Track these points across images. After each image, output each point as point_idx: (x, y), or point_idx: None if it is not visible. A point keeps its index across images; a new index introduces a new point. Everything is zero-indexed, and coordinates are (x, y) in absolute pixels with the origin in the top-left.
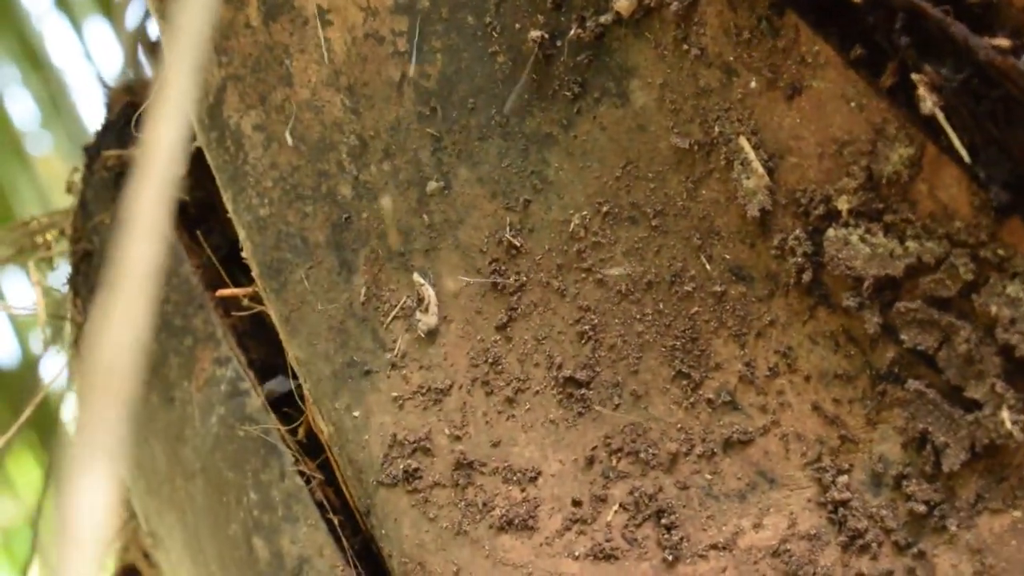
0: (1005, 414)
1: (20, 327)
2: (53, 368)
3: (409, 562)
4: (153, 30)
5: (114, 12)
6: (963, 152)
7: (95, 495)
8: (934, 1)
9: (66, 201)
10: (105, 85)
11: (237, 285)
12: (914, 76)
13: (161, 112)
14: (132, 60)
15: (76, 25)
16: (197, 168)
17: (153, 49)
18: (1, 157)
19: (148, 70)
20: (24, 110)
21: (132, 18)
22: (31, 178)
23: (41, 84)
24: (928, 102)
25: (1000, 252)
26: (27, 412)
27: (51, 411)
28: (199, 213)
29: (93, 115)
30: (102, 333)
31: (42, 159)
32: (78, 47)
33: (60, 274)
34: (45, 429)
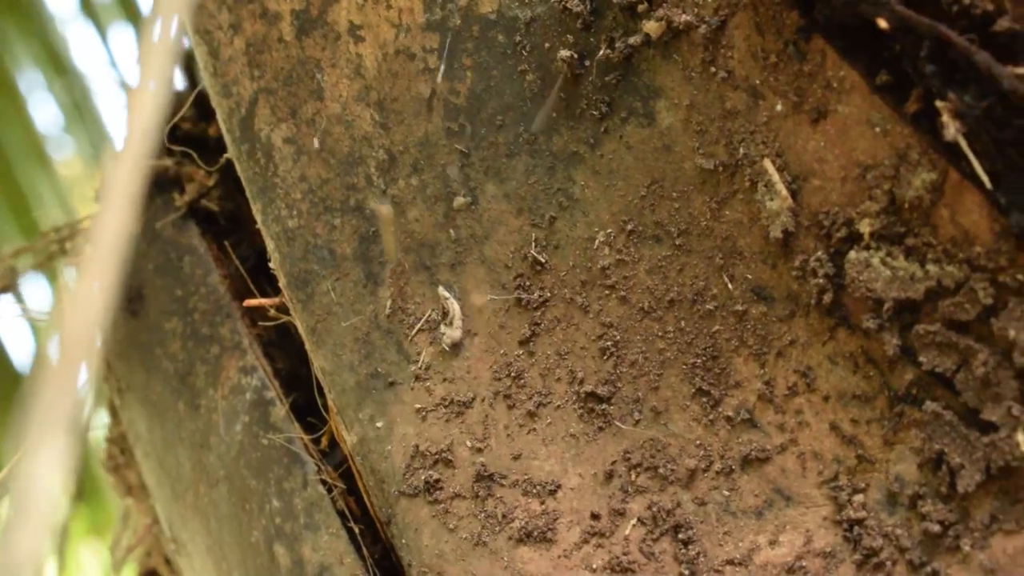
0: (1021, 437)
1: (39, 332)
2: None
3: (428, 572)
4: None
5: (140, 19)
6: (984, 178)
7: (50, 469)
8: (960, 30)
9: (87, 205)
10: (129, 92)
11: (264, 296)
12: (938, 103)
13: (140, 97)
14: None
15: (101, 30)
16: (227, 179)
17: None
18: (24, 161)
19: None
20: (48, 115)
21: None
22: (53, 182)
23: (65, 89)
24: (951, 128)
25: (1019, 277)
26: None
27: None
28: (228, 224)
29: (116, 121)
30: (68, 306)
31: (64, 163)
32: (103, 53)
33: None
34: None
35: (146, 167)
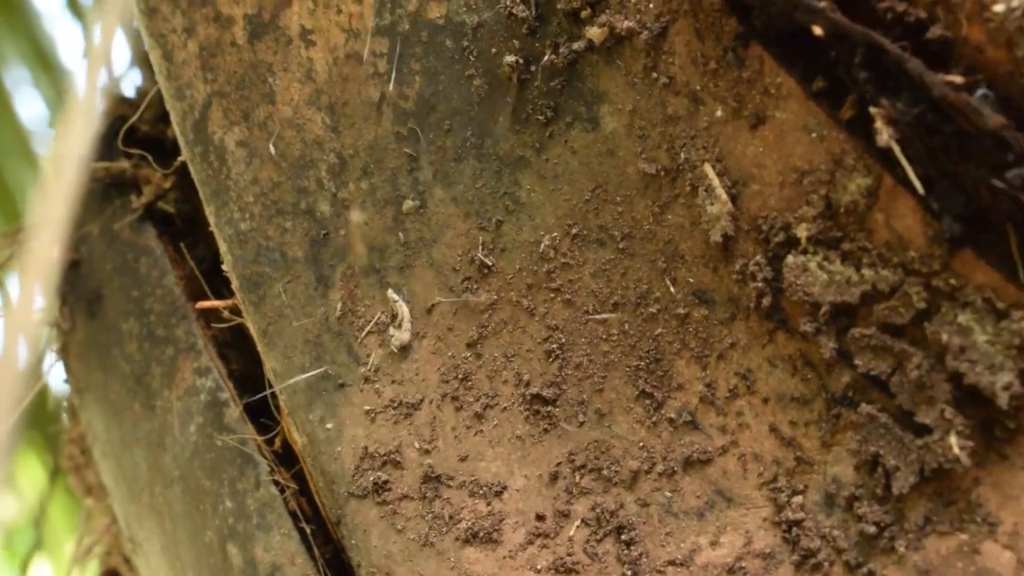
0: (953, 439)
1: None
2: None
3: (377, 572)
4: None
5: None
6: (917, 184)
7: None
8: (894, 37)
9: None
10: (104, 94)
11: (220, 297)
12: (872, 109)
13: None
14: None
15: (87, 28)
16: (184, 181)
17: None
18: (10, 157)
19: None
20: (33, 111)
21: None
22: (39, 177)
23: (51, 85)
24: (884, 135)
25: (952, 282)
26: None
27: (55, 412)
28: (185, 226)
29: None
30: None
31: (47, 158)
32: (80, 41)
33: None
34: (48, 429)
35: (85, 169)
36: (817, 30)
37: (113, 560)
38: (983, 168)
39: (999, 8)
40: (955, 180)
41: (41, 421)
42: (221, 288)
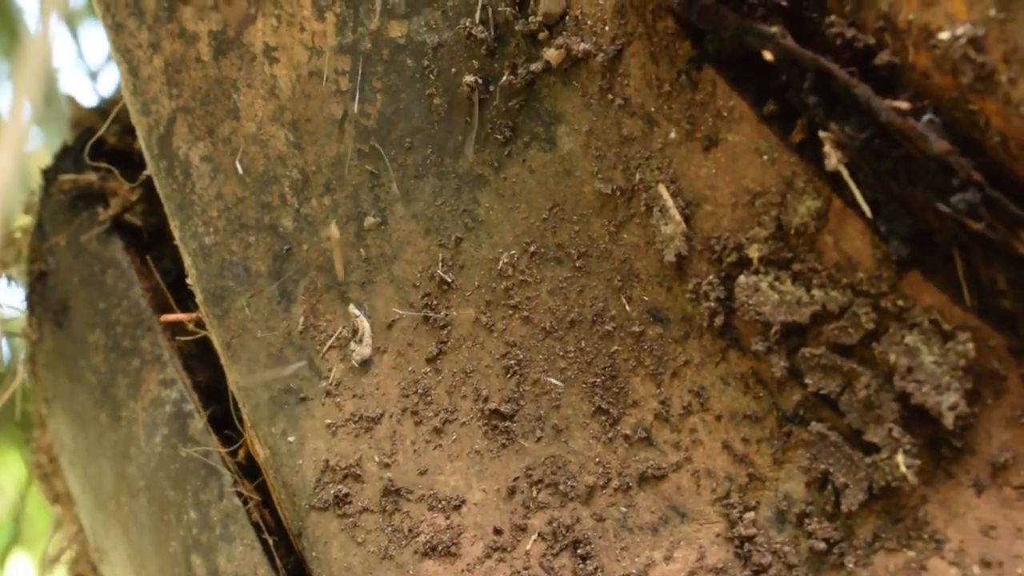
0: (900, 458)
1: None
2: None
3: None
4: None
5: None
6: (865, 207)
7: None
8: (842, 62)
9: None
10: (74, 106)
11: (186, 310)
12: (821, 133)
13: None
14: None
15: (71, 25)
16: (150, 194)
17: None
18: None
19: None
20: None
21: None
22: (21, 174)
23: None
24: (833, 159)
25: (900, 303)
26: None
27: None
28: (151, 238)
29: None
30: None
31: (33, 155)
32: (72, 47)
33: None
34: (29, 427)
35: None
36: (768, 55)
37: (81, 568)
38: (929, 192)
39: (944, 35)
40: (902, 204)
41: (22, 419)
42: (187, 301)
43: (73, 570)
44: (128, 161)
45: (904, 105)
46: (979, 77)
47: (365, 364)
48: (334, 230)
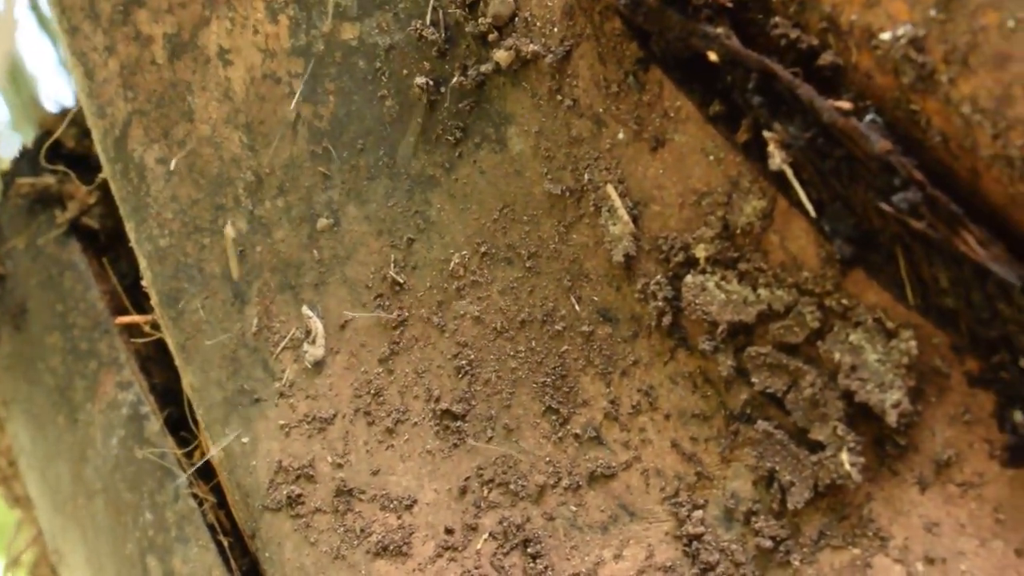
0: (845, 456)
1: None
2: None
3: None
4: None
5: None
6: (809, 207)
7: None
8: (787, 63)
9: None
10: (39, 110)
11: (144, 312)
12: (765, 133)
13: None
14: None
15: (50, 34)
16: (108, 197)
17: None
18: None
19: None
20: None
21: None
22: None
23: (14, 90)
24: (777, 158)
25: (844, 302)
26: None
27: None
28: (108, 241)
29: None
30: None
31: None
32: (52, 55)
33: None
34: None
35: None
36: (713, 56)
37: (41, 571)
38: (871, 192)
39: (886, 36)
40: (846, 203)
41: None
42: (144, 303)
43: (33, 573)
44: (86, 164)
45: (846, 105)
46: (920, 77)
47: (318, 365)
48: (229, 229)
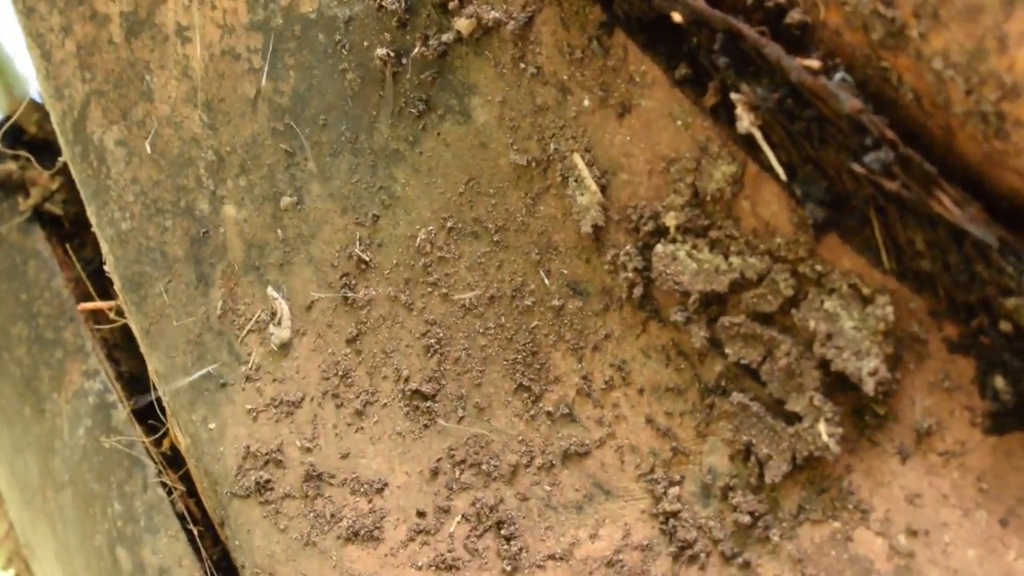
0: (822, 427)
1: None
2: None
3: (260, 572)
4: None
5: None
6: (780, 170)
7: None
8: (754, 22)
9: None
10: (8, 97)
11: (109, 299)
12: (733, 95)
13: None
14: None
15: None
16: (70, 182)
17: None
18: None
19: None
20: None
21: None
22: None
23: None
24: (746, 121)
25: (818, 268)
26: None
27: None
28: (72, 227)
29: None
30: None
31: None
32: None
33: None
34: None
35: None
36: (676, 17)
37: (16, 567)
38: (843, 153)
39: None
40: (817, 166)
41: None
42: (110, 289)
43: (8, 568)
44: (49, 150)
45: (815, 64)
46: (890, 33)
47: (285, 347)
48: (229, 209)
